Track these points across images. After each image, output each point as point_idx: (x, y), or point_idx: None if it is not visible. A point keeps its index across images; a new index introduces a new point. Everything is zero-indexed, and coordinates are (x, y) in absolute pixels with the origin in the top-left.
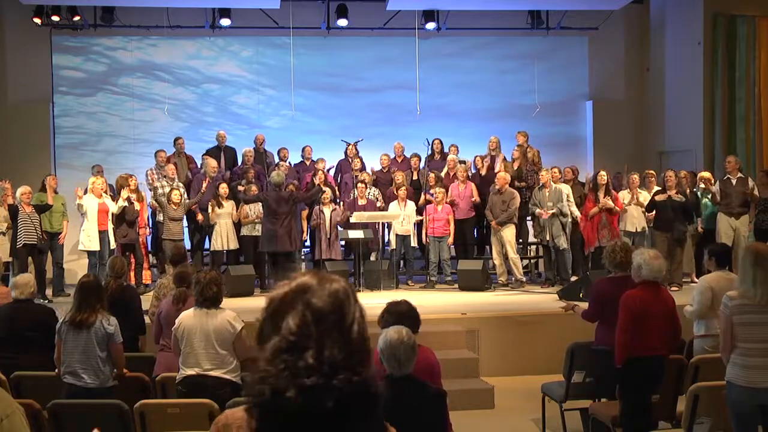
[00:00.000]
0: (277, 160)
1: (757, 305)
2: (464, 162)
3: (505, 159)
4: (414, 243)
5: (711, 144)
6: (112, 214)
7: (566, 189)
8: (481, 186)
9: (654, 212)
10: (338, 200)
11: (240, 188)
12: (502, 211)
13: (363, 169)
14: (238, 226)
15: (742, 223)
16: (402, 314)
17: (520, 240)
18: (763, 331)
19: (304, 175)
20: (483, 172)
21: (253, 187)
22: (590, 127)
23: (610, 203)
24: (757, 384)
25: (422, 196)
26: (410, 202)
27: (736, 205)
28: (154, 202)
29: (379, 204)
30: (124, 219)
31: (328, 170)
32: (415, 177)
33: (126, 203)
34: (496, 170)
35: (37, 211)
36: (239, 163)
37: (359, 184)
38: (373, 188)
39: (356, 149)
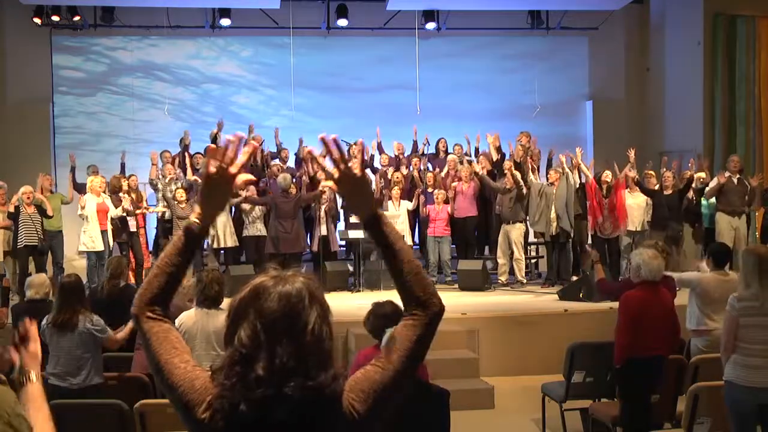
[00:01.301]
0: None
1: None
2: (470, 161)
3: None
4: (409, 241)
5: (711, 144)
6: (111, 217)
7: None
8: (483, 188)
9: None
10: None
11: (243, 195)
12: (509, 208)
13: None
14: (238, 224)
15: (742, 223)
16: (387, 316)
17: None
18: (767, 334)
19: (301, 172)
20: (486, 170)
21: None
22: (590, 127)
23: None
24: (758, 384)
25: (416, 194)
26: (404, 201)
27: (738, 205)
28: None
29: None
30: (120, 225)
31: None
32: (414, 174)
33: (125, 213)
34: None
35: (39, 212)
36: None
37: None
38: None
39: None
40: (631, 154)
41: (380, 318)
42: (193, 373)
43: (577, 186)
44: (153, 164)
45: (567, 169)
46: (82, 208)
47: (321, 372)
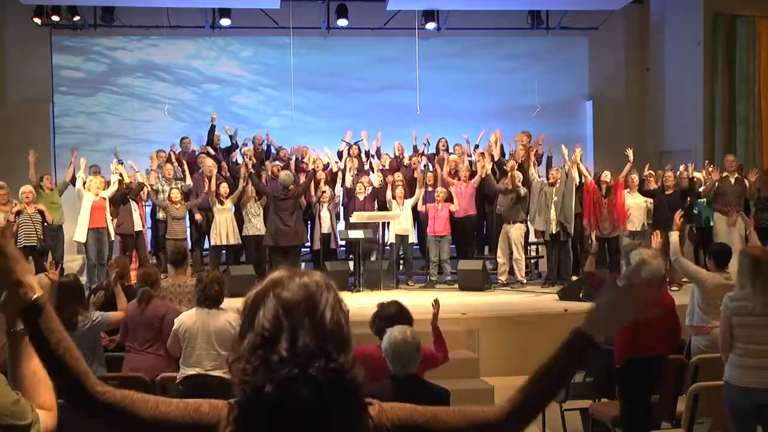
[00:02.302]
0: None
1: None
2: (470, 161)
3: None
4: (412, 239)
5: (711, 144)
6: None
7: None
8: (483, 187)
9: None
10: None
11: (247, 164)
12: (509, 208)
13: (361, 170)
14: (240, 221)
15: (739, 223)
16: (392, 317)
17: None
18: (762, 334)
19: (293, 151)
20: (483, 173)
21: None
22: (590, 127)
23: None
24: (753, 384)
25: (418, 192)
26: (406, 200)
27: (734, 205)
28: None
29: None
30: (121, 199)
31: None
32: (416, 175)
33: (118, 179)
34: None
35: (39, 212)
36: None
37: (358, 185)
38: (371, 185)
39: (359, 149)
40: (630, 153)
41: (385, 320)
42: (190, 404)
43: (577, 184)
44: (152, 169)
45: (568, 165)
46: (83, 184)
47: (341, 354)
